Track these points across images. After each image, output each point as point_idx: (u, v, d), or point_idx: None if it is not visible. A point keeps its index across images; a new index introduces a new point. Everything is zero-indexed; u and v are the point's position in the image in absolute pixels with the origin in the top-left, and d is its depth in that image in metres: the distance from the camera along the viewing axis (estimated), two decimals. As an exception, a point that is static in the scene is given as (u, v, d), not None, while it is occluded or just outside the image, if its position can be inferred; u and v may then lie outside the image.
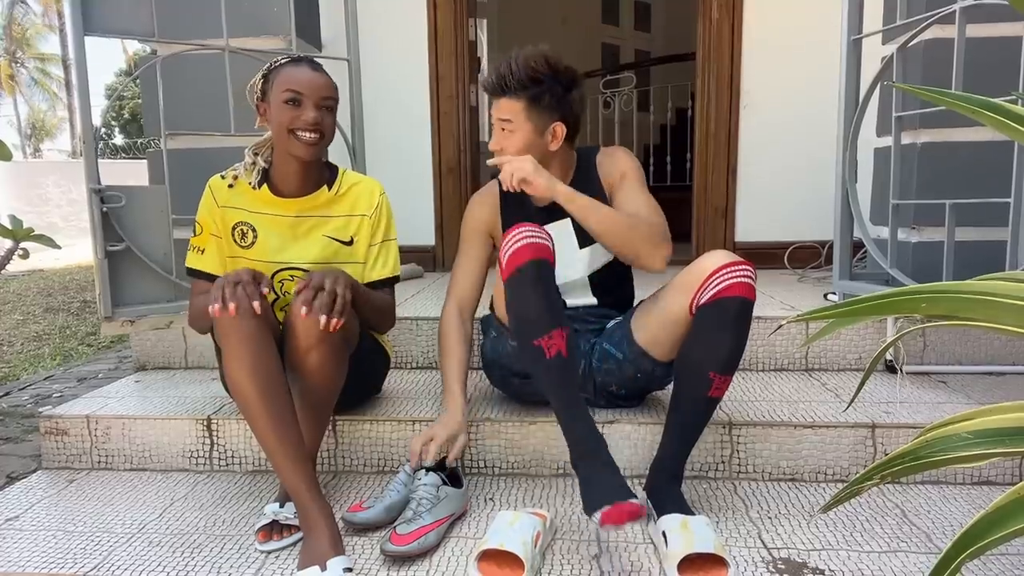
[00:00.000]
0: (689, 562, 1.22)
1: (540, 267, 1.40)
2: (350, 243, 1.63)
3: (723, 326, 1.40)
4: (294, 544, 1.38)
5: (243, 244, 1.60)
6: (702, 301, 1.42)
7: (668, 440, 1.46)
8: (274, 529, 1.39)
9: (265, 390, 1.33)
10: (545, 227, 1.63)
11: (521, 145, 1.57)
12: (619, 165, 1.67)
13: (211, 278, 1.57)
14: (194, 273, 1.62)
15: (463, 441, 1.50)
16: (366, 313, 1.55)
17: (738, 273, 1.41)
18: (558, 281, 1.63)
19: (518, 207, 1.71)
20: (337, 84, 1.56)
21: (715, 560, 1.24)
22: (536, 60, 1.54)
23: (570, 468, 1.37)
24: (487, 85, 1.59)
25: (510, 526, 1.28)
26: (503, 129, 1.58)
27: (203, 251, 1.61)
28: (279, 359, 1.38)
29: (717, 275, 1.42)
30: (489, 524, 1.37)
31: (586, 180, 1.67)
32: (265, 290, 1.36)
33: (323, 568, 1.22)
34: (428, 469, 1.54)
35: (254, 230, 1.60)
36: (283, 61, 1.53)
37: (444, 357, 1.64)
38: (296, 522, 1.38)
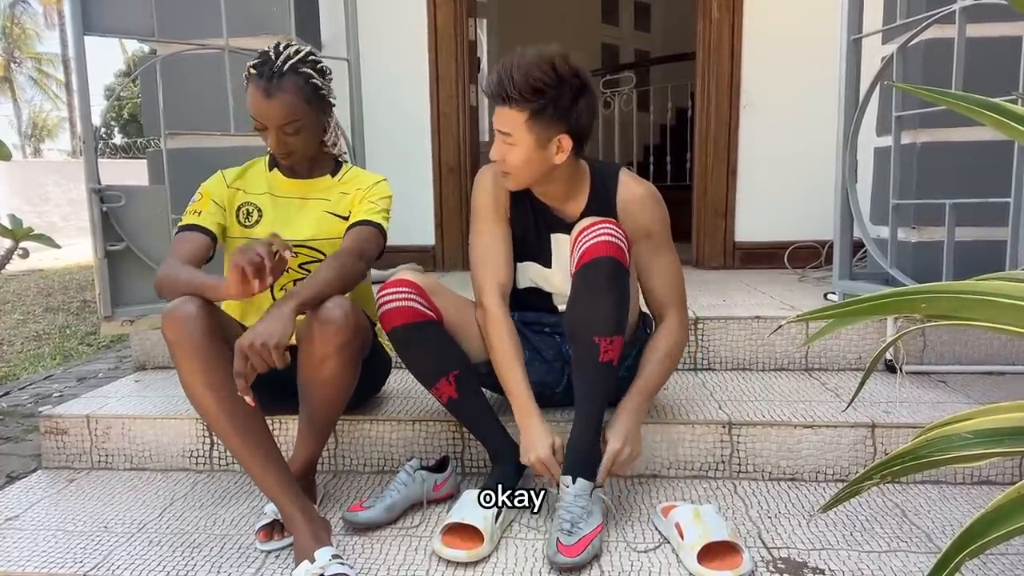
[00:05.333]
0: (705, 550, 1.25)
1: (409, 330, 1.48)
2: (347, 218, 1.63)
3: (594, 289, 1.38)
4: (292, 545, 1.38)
5: (247, 224, 1.62)
6: (574, 268, 1.43)
7: (577, 420, 1.43)
8: (275, 528, 1.39)
9: (225, 400, 1.32)
10: (552, 236, 1.60)
11: (522, 159, 1.45)
12: (645, 219, 1.54)
13: (202, 231, 1.54)
14: (184, 228, 1.55)
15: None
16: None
17: (598, 233, 1.39)
18: (559, 290, 1.62)
19: (522, 211, 1.61)
20: (301, 96, 1.51)
21: (729, 547, 1.26)
22: (541, 68, 1.38)
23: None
24: (487, 89, 1.45)
25: (473, 503, 1.38)
26: (505, 142, 1.45)
27: (199, 213, 1.57)
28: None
29: (579, 239, 1.41)
30: (456, 502, 1.45)
31: (602, 209, 1.55)
32: (288, 255, 1.29)
33: (312, 561, 1.24)
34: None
35: (259, 210, 1.63)
36: (251, 68, 1.50)
37: (505, 364, 1.50)
38: None
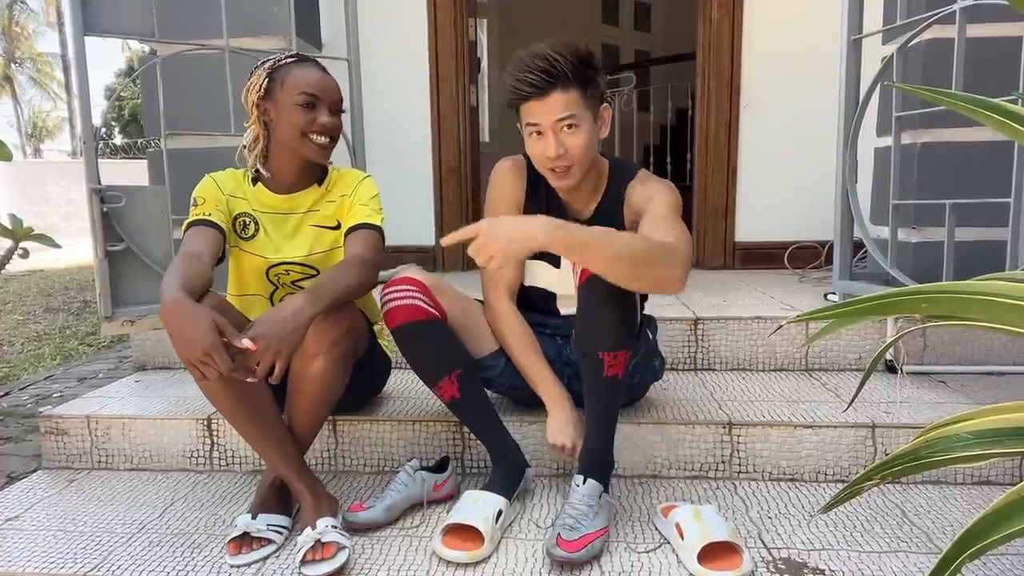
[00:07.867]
0: (705, 551, 1.25)
1: (413, 328, 1.47)
2: (337, 227, 1.60)
3: (597, 303, 1.37)
4: (264, 559, 1.34)
5: (244, 235, 1.59)
6: (577, 283, 1.41)
7: (588, 425, 1.43)
8: (244, 541, 1.36)
9: (238, 389, 1.34)
10: None
11: (586, 141, 1.40)
12: (649, 190, 1.49)
13: (212, 225, 1.48)
14: (194, 223, 1.48)
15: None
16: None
17: None
18: (566, 292, 1.62)
19: (539, 205, 1.57)
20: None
21: (729, 548, 1.27)
22: (572, 44, 1.37)
23: (568, 467, 1.45)
24: (522, 88, 1.37)
25: (474, 503, 1.39)
26: (567, 127, 1.39)
27: (209, 214, 1.50)
28: None
29: None
30: (456, 502, 1.45)
31: (613, 204, 1.54)
32: (245, 342, 1.21)
33: (313, 527, 1.32)
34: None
35: (256, 223, 1.60)
36: (286, 60, 1.52)
37: (525, 358, 1.56)
38: (268, 535, 1.37)
